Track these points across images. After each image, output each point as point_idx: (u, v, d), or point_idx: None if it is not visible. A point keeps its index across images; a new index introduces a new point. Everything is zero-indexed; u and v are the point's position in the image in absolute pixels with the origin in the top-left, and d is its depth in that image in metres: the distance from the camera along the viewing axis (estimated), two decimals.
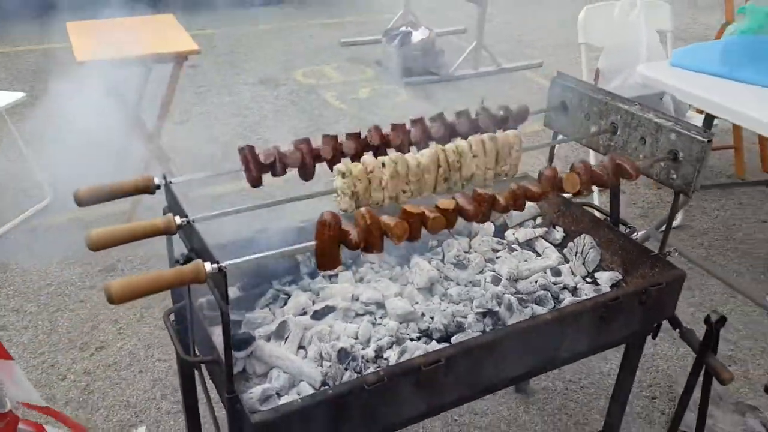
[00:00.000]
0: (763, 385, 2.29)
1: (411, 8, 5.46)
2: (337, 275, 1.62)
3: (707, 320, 1.52)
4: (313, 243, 1.12)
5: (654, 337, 1.67)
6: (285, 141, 1.48)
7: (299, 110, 4.28)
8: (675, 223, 3.13)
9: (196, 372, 1.42)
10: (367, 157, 1.33)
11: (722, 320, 1.52)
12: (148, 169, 3.00)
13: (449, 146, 1.37)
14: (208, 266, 1.04)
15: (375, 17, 6.20)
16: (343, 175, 1.30)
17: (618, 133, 1.60)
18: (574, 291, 1.60)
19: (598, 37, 2.85)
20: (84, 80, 2.46)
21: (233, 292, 1.52)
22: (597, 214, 1.82)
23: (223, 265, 1.04)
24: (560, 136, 1.78)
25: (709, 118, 2.24)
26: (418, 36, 4.86)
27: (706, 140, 1.39)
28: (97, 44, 2.62)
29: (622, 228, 1.74)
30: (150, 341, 2.40)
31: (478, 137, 1.40)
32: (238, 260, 1.07)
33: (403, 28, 4.97)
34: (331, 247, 1.12)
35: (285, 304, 1.53)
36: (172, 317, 1.42)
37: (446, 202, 1.22)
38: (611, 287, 1.61)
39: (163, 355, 2.34)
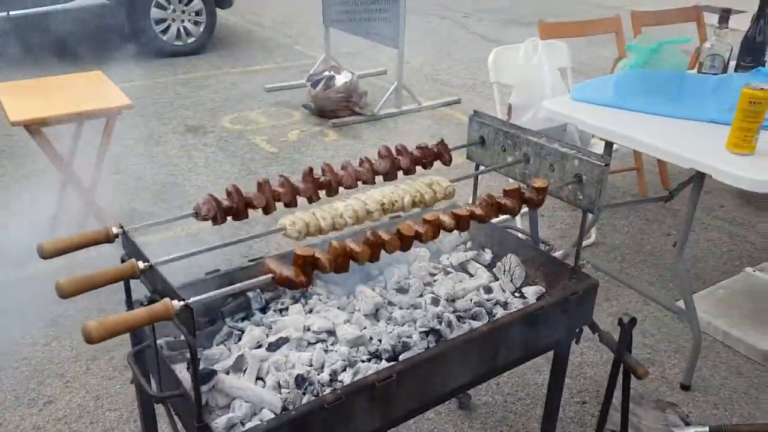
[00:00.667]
0: (679, 382, 2.54)
1: (331, 54, 5.68)
2: (287, 308, 1.73)
3: (620, 322, 1.72)
4: (269, 277, 1.24)
5: (577, 342, 1.86)
6: (218, 187, 1.59)
7: (229, 155, 4.37)
8: (590, 241, 3.40)
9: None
10: (306, 215, 1.45)
11: (633, 321, 1.72)
12: (85, 225, 3.01)
13: (388, 194, 1.53)
14: (176, 304, 1.14)
15: (295, 63, 6.40)
16: (285, 230, 1.43)
17: (531, 161, 1.81)
18: (505, 305, 1.77)
19: (507, 76, 3.12)
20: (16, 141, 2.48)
21: None
22: (520, 235, 2.02)
23: (189, 301, 1.15)
24: (481, 167, 1.97)
25: (608, 145, 2.51)
26: (341, 79, 5.07)
27: (603, 164, 1.60)
28: (29, 104, 2.65)
29: (542, 246, 1.93)
30: (98, 392, 2.40)
31: (415, 187, 1.57)
32: (204, 296, 1.18)
33: (326, 73, 5.17)
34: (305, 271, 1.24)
35: (239, 339, 1.62)
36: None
37: (404, 226, 1.37)
38: (537, 299, 1.79)
39: (113, 405, 2.35)
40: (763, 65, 2.75)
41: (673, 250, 3.25)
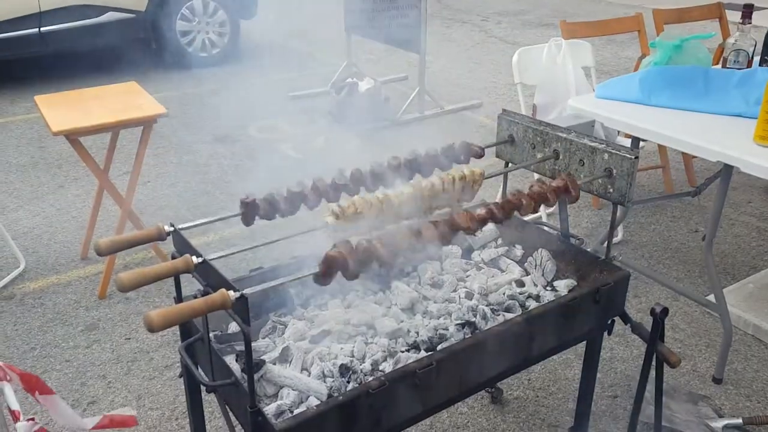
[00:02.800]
0: (711, 375, 2.55)
1: (353, 60, 5.76)
2: (326, 303, 1.79)
3: (653, 312, 1.75)
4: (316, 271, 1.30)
5: (609, 333, 1.89)
6: (249, 192, 1.64)
7: (257, 164, 4.45)
8: (617, 239, 3.42)
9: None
10: (357, 198, 1.53)
11: (665, 310, 1.75)
12: (121, 232, 3.11)
13: (425, 184, 1.59)
14: (232, 294, 1.20)
15: (318, 70, 6.48)
16: (336, 216, 1.50)
17: (560, 157, 1.85)
18: (537, 298, 1.82)
19: (531, 76, 3.16)
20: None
21: (234, 327, 1.67)
22: (549, 230, 2.06)
23: (245, 292, 1.21)
24: (511, 165, 2.02)
25: (635, 141, 2.54)
26: (364, 86, 5.14)
27: (633, 157, 1.64)
28: (68, 115, 2.75)
29: (572, 241, 1.97)
30: (140, 392, 2.48)
31: (448, 176, 1.62)
32: (257, 288, 1.24)
33: (349, 80, 5.25)
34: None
35: (283, 333, 1.69)
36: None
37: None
38: (569, 291, 1.83)
39: (154, 404, 2.43)
40: None
41: (701, 246, 3.27)
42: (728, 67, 2.77)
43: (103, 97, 3.04)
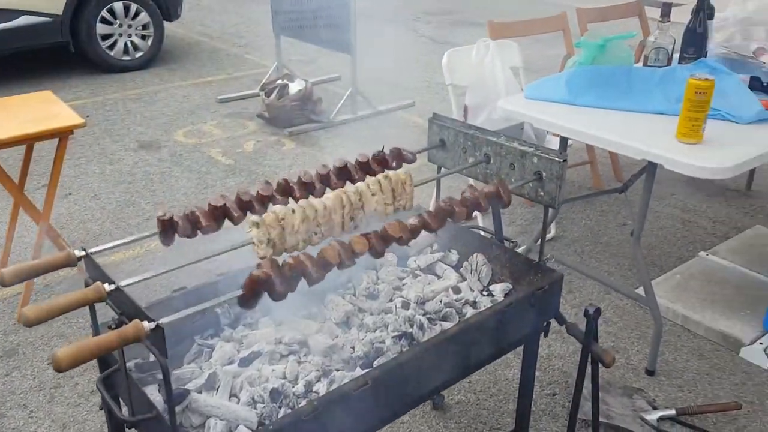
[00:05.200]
0: (644, 368, 2.61)
1: (283, 62, 5.65)
2: (257, 322, 1.72)
3: (586, 313, 1.76)
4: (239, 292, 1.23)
5: (546, 335, 1.89)
6: (176, 204, 1.55)
7: (185, 170, 4.30)
8: (550, 235, 3.47)
9: None
10: (277, 206, 1.46)
11: (598, 311, 1.76)
12: (41, 249, 2.93)
13: (350, 188, 1.53)
14: (146, 325, 1.12)
15: (247, 73, 6.34)
16: (257, 225, 1.42)
17: (491, 161, 1.83)
18: (474, 304, 1.80)
19: (461, 77, 3.16)
20: None
21: None
22: (484, 234, 2.05)
23: (160, 322, 1.13)
24: (443, 170, 1.99)
25: (563, 140, 2.56)
26: (295, 87, 5.05)
27: (562, 160, 1.64)
28: None
29: (506, 244, 1.96)
30: (64, 421, 2.34)
31: (373, 178, 1.57)
32: (174, 317, 1.16)
33: (280, 81, 5.15)
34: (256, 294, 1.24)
35: (210, 357, 1.60)
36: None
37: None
38: (504, 296, 1.82)
39: None
40: (705, 56, 2.85)
41: (629, 240, 3.34)
42: (649, 65, 2.83)
43: (14, 107, 2.85)
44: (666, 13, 2.77)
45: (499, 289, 1.85)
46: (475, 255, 1.93)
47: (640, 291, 2.65)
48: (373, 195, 1.58)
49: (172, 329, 1.62)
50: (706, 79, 2.04)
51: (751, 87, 2.58)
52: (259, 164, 4.39)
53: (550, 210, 1.77)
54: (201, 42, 7.49)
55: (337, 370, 1.53)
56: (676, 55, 2.88)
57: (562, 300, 2.86)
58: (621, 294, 2.93)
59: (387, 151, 1.79)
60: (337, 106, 5.11)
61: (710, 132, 2.18)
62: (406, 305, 1.76)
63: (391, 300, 1.80)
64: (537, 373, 2.09)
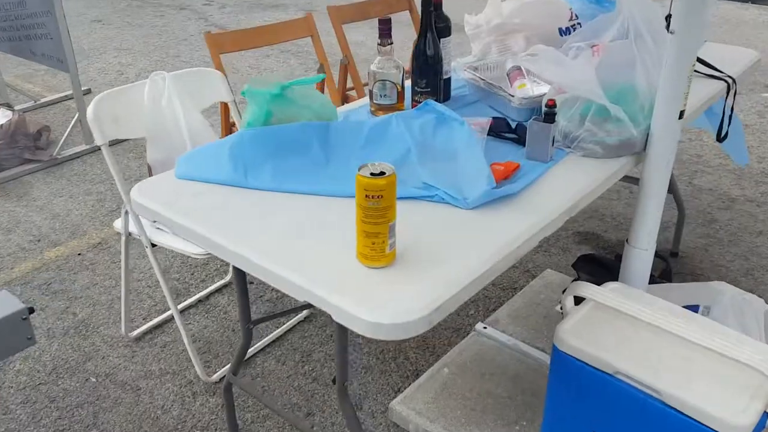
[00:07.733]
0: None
1: (5, 80, 4.43)
2: None
3: None
4: None
5: None
6: None
7: None
8: None
9: None
10: None
11: None
12: None
13: None
14: None
15: None
16: None
17: None
18: None
19: (132, 128, 2.23)
20: None
21: None
22: None
23: None
24: None
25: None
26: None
27: None
28: None
29: None
30: None
31: None
32: None
33: None
34: None
35: None
36: None
37: None
38: None
39: None
40: (444, 86, 2.10)
41: None
42: (377, 103, 2.05)
43: None
44: (386, 32, 1.98)
45: None
46: None
47: None
48: None
49: None
50: (382, 173, 1.25)
51: (495, 131, 1.86)
52: None
53: None
54: None
55: None
56: (410, 87, 2.11)
57: None
58: None
59: None
60: (62, 138, 4.00)
61: (416, 235, 1.40)
62: None
63: None
64: None
